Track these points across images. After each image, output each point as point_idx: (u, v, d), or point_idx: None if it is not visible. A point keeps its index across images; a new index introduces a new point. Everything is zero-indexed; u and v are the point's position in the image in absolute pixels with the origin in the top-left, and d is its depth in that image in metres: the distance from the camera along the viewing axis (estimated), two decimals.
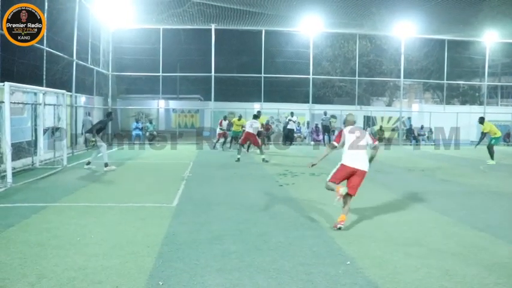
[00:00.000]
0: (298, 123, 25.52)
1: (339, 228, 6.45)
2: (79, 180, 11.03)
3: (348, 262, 5.12)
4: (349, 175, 6.70)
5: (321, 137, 25.54)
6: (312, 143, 24.62)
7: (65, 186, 10.08)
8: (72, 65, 18.53)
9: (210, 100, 25.58)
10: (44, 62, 15.76)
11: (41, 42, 15.55)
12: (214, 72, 25.12)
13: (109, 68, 24.35)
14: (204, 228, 6.51)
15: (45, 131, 14.10)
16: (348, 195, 6.68)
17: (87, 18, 20.54)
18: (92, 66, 21.61)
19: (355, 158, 6.68)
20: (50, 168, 12.83)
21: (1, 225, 6.56)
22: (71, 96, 17.84)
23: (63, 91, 14.47)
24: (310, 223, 6.98)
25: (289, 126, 23.52)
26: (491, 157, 16.18)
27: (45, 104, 13.89)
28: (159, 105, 26.76)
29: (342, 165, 6.76)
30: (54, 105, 14.96)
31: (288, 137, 23.33)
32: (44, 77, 15.55)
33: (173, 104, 27.72)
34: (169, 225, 6.65)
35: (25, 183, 10.42)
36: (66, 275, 4.61)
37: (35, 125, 13.91)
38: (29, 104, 13.75)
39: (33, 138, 13.66)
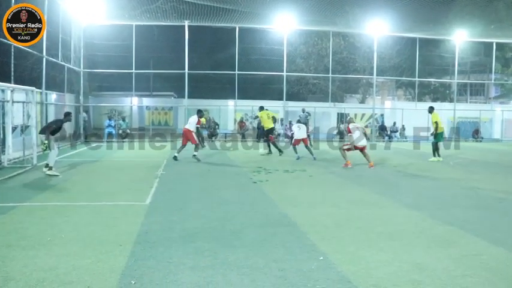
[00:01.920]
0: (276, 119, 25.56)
1: None
2: (49, 180, 10.81)
3: (321, 258, 5.15)
4: (360, 149, 13.18)
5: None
6: (286, 139, 24.69)
7: (35, 186, 9.88)
8: (42, 61, 18.14)
9: (184, 97, 25.42)
10: (12, 57, 15.38)
11: (6, 37, 15.18)
12: (188, 69, 24.95)
13: (80, 64, 23.93)
14: (178, 226, 6.47)
15: (13, 129, 13.76)
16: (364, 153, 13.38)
17: (57, 13, 20.11)
18: (63, 63, 21.19)
19: (361, 140, 13.12)
20: (19, 167, 12.54)
21: None
22: (41, 93, 17.46)
23: (33, 88, 14.15)
24: (284, 219, 7.00)
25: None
26: (435, 154, 16.04)
27: (13, 102, 13.56)
28: (132, 103, 26.45)
29: (355, 146, 13.17)
30: (24, 102, 14.63)
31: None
32: (12, 73, 15.18)
33: (146, 101, 27.44)
34: (142, 224, 6.58)
35: None
36: (35, 276, 4.51)
37: (3, 123, 13.57)
38: None
39: (1, 136, 13.32)
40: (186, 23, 24.75)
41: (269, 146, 16.85)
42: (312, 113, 27.64)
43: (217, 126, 24.43)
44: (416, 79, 29.87)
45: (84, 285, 4.31)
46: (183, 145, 14.87)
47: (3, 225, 6.56)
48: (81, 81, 23.86)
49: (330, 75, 28.72)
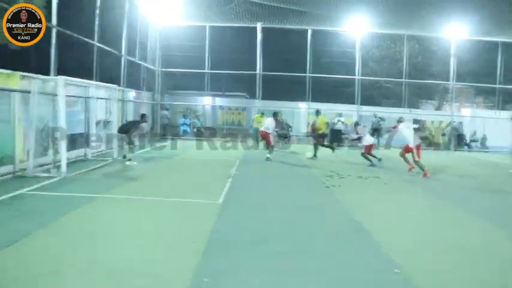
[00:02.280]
0: (346, 124, 25.14)
1: None
2: (129, 173, 11.27)
3: (396, 270, 4.96)
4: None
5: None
6: (359, 144, 24.16)
7: (116, 178, 10.34)
8: (122, 61, 18.97)
9: (256, 98, 25.60)
10: (95, 57, 16.21)
11: (92, 37, 16.04)
12: (260, 71, 25.12)
13: (156, 64, 24.79)
14: (250, 228, 6.51)
15: (96, 123, 14.51)
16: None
17: (136, 15, 20.98)
18: (141, 62, 22.06)
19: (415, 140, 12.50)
20: (101, 160, 13.17)
21: (56, 213, 6.79)
22: (120, 90, 18.25)
23: (114, 85, 14.86)
24: (357, 227, 6.84)
25: (337, 127, 23.20)
26: None
27: (97, 98, 14.29)
28: (205, 102, 26.99)
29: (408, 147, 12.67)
30: (106, 99, 15.38)
31: (336, 138, 23.00)
32: (95, 71, 16.00)
33: (219, 101, 27.87)
34: (215, 222, 6.68)
35: (78, 173, 10.76)
36: (114, 266, 4.71)
37: (87, 118, 14.35)
38: (82, 97, 14.18)
39: (86, 130, 14.09)
40: (259, 25, 24.94)
41: (315, 149, 16.51)
42: (386, 118, 26.91)
43: (290, 128, 24.36)
44: (497, 85, 28.24)
45: (158, 278, 4.44)
46: (271, 146, 15.65)
47: (87, 214, 6.93)
48: (157, 80, 24.70)
49: (404, 79, 27.83)
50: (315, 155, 16.26)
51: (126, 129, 13.13)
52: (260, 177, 11.51)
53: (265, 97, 26.12)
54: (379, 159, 14.81)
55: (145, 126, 15.58)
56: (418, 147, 12.58)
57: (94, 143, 13.96)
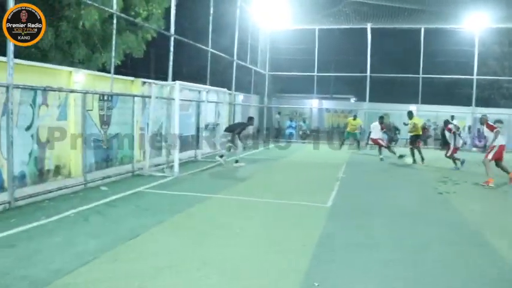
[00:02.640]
0: (458, 127, 23.65)
1: None
2: (237, 175, 11.54)
3: None
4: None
5: (482, 142, 23.37)
6: (474, 149, 22.61)
7: (225, 180, 10.63)
8: (233, 65, 19.54)
9: (364, 101, 25.00)
10: (209, 62, 16.87)
11: (206, 44, 16.72)
12: (370, 73, 24.51)
13: (266, 67, 25.22)
14: (360, 233, 6.32)
15: (206, 126, 15.10)
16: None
17: (246, 20, 21.50)
18: (251, 66, 22.58)
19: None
20: (210, 161, 13.66)
21: (171, 211, 7.16)
22: (230, 94, 18.82)
23: (225, 89, 15.35)
24: (476, 238, 6.33)
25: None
26: None
27: (207, 101, 14.88)
28: (312, 105, 26.91)
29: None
30: (216, 102, 15.95)
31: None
32: (208, 76, 16.65)
33: (326, 103, 27.63)
34: (324, 226, 6.58)
35: (189, 173, 11.26)
36: (227, 264, 4.82)
37: (198, 120, 14.99)
38: (195, 101, 14.85)
39: (196, 133, 14.73)
40: (369, 26, 24.33)
41: (413, 154, 15.52)
42: (505, 120, 24.89)
43: (397, 132, 23.48)
44: None
45: (270, 279, 4.46)
46: (383, 146, 15.72)
47: (199, 213, 7.20)
48: (266, 83, 25.12)
49: None
50: (414, 161, 15.36)
51: (232, 128, 13.49)
52: (368, 181, 11.17)
53: (373, 99, 25.42)
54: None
55: (251, 129, 15.91)
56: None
57: (204, 145, 14.54)
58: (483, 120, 12.00)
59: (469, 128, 24.67)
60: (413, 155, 15.37)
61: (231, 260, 4.96)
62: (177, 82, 11.26)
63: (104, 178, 9.48)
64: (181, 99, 12.40)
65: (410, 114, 16.20)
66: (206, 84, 15.87)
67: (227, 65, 21.05)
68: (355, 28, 25.37)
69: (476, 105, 24.96)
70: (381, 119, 15.85)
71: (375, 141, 16.03)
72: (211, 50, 16.96)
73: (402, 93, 28.00)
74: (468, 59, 25.30)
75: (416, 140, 15.62)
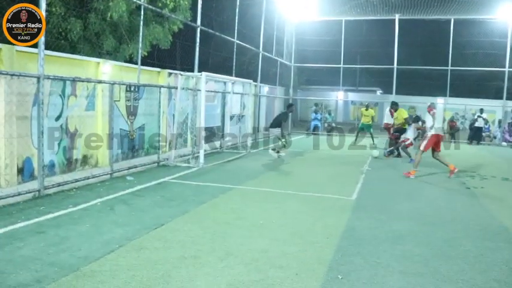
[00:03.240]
0: (487, 121, 23.16)
1: None
2: (261, 166, 11.56)
3: None
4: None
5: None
6: (504, 143, 22.13)
7: (249, 171, 10.67)
8: (259, 57, 19.51)
9: (390, 93, 24.66)
10: (234, 54, 16.89)
11: (232, 35, 16.73)
12: (397, 65, 24.15)
13: (291, 59, 25.10)
14: (385, 226, 6.27)
15: (231, 117, 15.15)
16: None
17: (272, 12, 21.40)
18: (276, 58, 22.51)
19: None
20: (235, 152, 13.71)
21: (195, 202, 7.24)
22: (255, 85, 18.82)
23: (250, 81, 15.36)
24: (505, 234, 6.21)
25: (477, 124, 21.49)
26: None
27: (233, 93, 14.92)
28: (338, 97, 26.71)
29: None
30: (241, 93, 15.98)
31: (476, 135, 21.35)
32: (234, 67, 16.68)
33: (352, 96, 27.44)
34: (349, 219, 6.56)
35: (214, 164, 11.33)
36: (250, 256, 4.85)
37: (223, 111, 15.05)
38: (220, 92, 14.91)
39: (222, 124, 14.80)
40: (397, 17, 23.89)
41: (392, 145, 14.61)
42: None
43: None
44: None
45: (292, 271, 4.46)
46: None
47: (222, 204, 7.26)
48: (292, 75, 25.02)
49: None
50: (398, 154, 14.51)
51: (277, 122, 13.16)
52: (393, 174, 11.04)
53: (400, 92, 25.08)
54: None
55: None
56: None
57: (229, 136, 14.60)
58: None
59: (499, 122, 24.14)
60: (393, 147, 14.53)
61: (254, 251, 4.99)
62: (203, 73, 11.32)
63: (129, 168, 9.64)
64: (207, 90, 12.47)
65: (394, 105, 15.38)
66: (232, 76, 15.91)
67: (253, 57, 21.06)
68: (383, 19, 24.99)
69: (508, 99, 24.36)
70: (394, 105, 15.33)
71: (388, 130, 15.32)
72: (237, 41, 16.96)
73: (430, 86, 27.60)
74: (500, 50, 24.66)
75: (400, 134, 14.38)
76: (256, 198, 7.78)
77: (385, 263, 4.81)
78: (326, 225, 6.15)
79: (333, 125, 24.49)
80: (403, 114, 14.56)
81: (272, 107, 22.66)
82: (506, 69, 23.69)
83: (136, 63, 10.70)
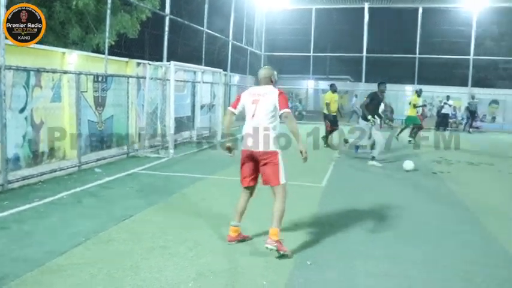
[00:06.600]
0: (454, 107, 23.69)
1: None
2: (231, 155, 11.49)
3: None
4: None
5: (479, 123, 23.58)
6: (469, 130, 22.67)
7: (220, 160, 10.58)
8: (228, 46, 19.41)
9: (360, 81, 24.94)
10: (204, 43, 16.75)
11: (201, 24, 16.58)
12: (366, 53, 24.40)
13: (262, 48, 25.06)
14: (353, 212, 6.37)
15: (201, 107, 15.06)
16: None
17: (242, 0, 21.28)
18: (246, 47, 22.44)
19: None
20: (205, 142, 13.64)
21: (165, 192, 7.20)
22: (225, 75, 18.73)
23: (220, 70, 15.26)
24: (468, 216, 6.43)
25: (443, 111, 21.93)
26: None
27: (203, 82, 14.82)
28: (308, 86, 26.83)
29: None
30: (211, 83, 15.88)
31: (442, 122, 21.79)
32: (203, 57, 16.55)
33: (322, 84, 27.58)
34: (318, 205, 6.67)
35: (184, 155, 11.27)
36: (219, 244, 4.85)
37: (193, 101, 14.94)
38: (190, 82, 14.78)
39: (192, 114, 14.70)
40: (366, 5, 24.13)
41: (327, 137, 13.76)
42: (501, 101, 25.07)
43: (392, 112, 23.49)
44: None
45: (262, 259, 4.49)
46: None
47: (193, 194, 7.23)
48: (262, 64, 24.98)
49: None
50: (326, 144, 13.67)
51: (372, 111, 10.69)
52: (363, 160, 11.19)
53: (370, 80, 25.37)
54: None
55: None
56: None
57: (199, 126, 14.51)
58: None
59: (466, 108, 24.69)
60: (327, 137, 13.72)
61: (224, 240, 4.98)
62: (172, 63, 11.19)
63: (98, 160, 9.49)
64: (177, 80, 12.34)
65: (331, 87, 13.93)
66: (201, 65, 15.79)
67: (223, 46, 20.93)
68: (353, 8, 25.20)
69: (473, 86, 24.95)
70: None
71: None
72: (206, 30, 16.83)
73: (399, 74, 27.97)
74: (465, 39, 25.21)
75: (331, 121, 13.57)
76: (227, 187, 7.76)
77: (352, 248, 4.90)
78: (297, 213, 6.17)
79: (304, 113, 24.60)
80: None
81: None
82: (471, 57, 24.24)
83: (103, 53, 10.49)
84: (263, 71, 5.04)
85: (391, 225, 5.81)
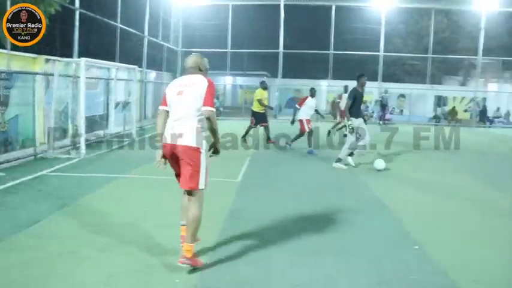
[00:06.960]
0: (365, 101, 24.90)
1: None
2: (147, 154, 11.28)
3: (416, 247, 4.93)
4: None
5: (388, 115, 25.02)
6: (380, 122, 23.93)
7: (134, 159, 10.38)
8: (144, 42, 18.99)
9: (277, 77, 25.44)
10: (118, 38, 16.27)
11: (114, 19, 16.07)
12: (282, 49, 24.91)
13: (179, 44, 24.77)
14: (268, 205, 6.51)
15: (116, 105, 14.61)
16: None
17: None
18: (163, 43, 22.07)
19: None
20: (119, 141, 13.26)
21: (76, 194, 6.88)
22: (141, 71, 18.32)
23: (135, 67, 14.91)
24: (376, 204, 6.83)
25: None
26: None
27: (117, 79, 14.39)
28: (226, 81, 26.92)
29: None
30: (126, 80, 15.46)
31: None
32: (117, 53, 16.07)
33: (240, 80, 27.82)
34: (234, 200, 6.74)
35: (97, 154, 10.87)
36: (132, 245, 4.74)
37: (107, 99, 14.47)
38: (102, 79, 14.29)
39: (105, 112, 14.22)
40: (282, 2, 24.63)
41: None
42: (407, 95, 26.73)
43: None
44: None
45: (175, 257, 4.40)
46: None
47: (106, 194, 7.04)
48: (179, 60, 24.73)
49: (430, 55, 27.26)
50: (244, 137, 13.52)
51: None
52: (278, 156, 11.45)
53: (286, 76, 25.96)
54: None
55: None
56: None
57: (113, 124, 14.08)
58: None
59: (377, 102, 26.05)
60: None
61: (137, 239, 4.89)
62: (82, 59, 10.75)
63: (1, 163, 8.89)
64: (88, 77, 11.89)
65: (263, 84, 13.96)
66: (115, 62, 15.32)
67: (138, 42, 20.43)
68: (269, 4, 25.64)
69: (382, 81, 26.34)
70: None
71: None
72: (120, 25, 16.35)
73: (314, 70, 28.87)
74: (376, 36, 26.55)
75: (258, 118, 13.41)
76: (142, 186, 7.63)
77: (269, 241, 4.98)
78: (212, 209, 6.15)
79: (221, 109, 24.66)
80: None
81: (160, 92, 22.22)
82: (381, 53, 25.56)
83: (5, 49, 9.85)
84: (190, 59, 4.58)
85: (306, 216, 6.02)
